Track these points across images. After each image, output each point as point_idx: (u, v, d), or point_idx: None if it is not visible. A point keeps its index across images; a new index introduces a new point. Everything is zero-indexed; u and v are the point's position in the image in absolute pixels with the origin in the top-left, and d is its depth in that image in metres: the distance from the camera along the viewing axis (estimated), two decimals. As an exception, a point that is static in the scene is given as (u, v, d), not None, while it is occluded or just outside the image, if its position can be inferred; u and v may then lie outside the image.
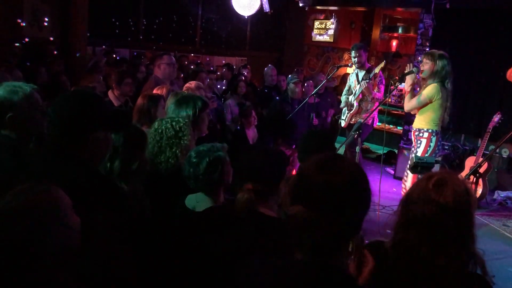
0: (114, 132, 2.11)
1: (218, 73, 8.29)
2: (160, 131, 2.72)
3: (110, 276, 1.68)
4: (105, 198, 1.79)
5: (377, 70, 5.96)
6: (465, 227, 1.66)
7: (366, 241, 1.84)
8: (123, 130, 2.19)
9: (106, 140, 1.91)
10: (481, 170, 5.43)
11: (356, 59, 6.11)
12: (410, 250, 1.67)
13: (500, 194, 6.41)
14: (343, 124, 6.45)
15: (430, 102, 4.63)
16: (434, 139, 4.70)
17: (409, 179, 4.69)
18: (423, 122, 4.79)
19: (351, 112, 6.24)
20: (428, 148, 4.70)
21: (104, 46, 7.95)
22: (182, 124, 2.75)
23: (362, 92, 6.07)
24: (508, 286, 4.17)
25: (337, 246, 1.28)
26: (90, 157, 1.83)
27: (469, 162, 6.01)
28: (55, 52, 6.86)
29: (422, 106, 4.68)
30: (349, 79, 6.49)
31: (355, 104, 6.18)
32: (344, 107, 6.39)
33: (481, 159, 5.77)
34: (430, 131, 4.71)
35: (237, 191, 2.06)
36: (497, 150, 6.68)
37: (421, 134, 4.78)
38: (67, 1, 7.01)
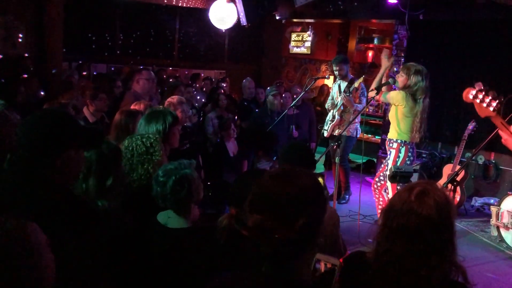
0: (86, 150, 2.08)
1: (197, 85, 8.28)
2: (130, 148, 2.69)
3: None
4: (79, 219, 1.75)
5: (356, 84, 6.03)
6: (446, 237, 1.68)
7: (348, 251, 1.84)
8: (96, 147, 2.15)
9: (78, 159, 1.86)
10: (458, 177, 5.51)
11: (337, 72, 6.21)
12: (394, 261, 1.67)
13: (477, 201, 6.52)
14: (325, 134, 6.51)
15: (394, 105, 4.70)
16: (403, 149, 4.72)
17: (389, 188, 4.73)
18: (393, 133, 4.85)
19: (333, 123, 6.30)
20: (397, 159, 4.72)
21: (80, 62, 7.86)
22: (152, 140, 2.72)
23: (343, 104, 6.14)
24: (488, 292, 4.23)
25: (295, 256, 1.32)
26: (62, 177, 1.79)
27: (447, 169, 6.11)
28: (31, 69, 6.76)
29: (386, 100, 4.81)
30: (332, 89, 6.57)
31: (337, 115, 6.24)
32: (330, 109, 6.45)
33: (458, 167, 5.88)
34: (399, 141, 4.75)
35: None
36: (473, 157, 6.81)
37: (391, 144, 4.84)
38: (41, 16, 6.91)
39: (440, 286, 1.64)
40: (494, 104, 2.28)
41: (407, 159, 4.70)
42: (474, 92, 2.34)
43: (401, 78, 4.65)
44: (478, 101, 2.32)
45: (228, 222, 1.95)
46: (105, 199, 2.22)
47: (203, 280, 2.00)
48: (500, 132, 2.35)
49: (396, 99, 4.67)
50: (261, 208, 1.31)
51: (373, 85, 4.92)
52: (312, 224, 1.32)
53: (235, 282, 1.38)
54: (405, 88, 4.62)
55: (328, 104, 6.54)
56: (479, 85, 2.33)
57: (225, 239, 1.97)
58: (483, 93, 2.30)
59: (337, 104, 6.28)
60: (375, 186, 5.02)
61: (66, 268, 1.58)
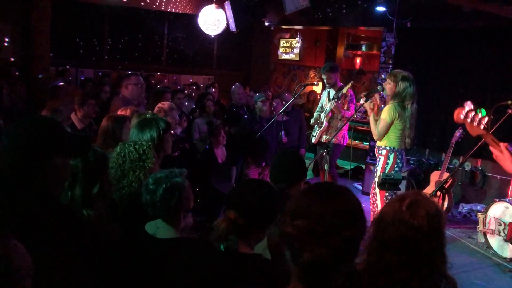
0: (73, 158, 2.04)
1: (186, 91, 8.25)
2: (122, 154, 2.67)
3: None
4: (65, 229, 1.71)
5: (344, 90, 6.06)
6: (437, 248, 1.68)
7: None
8: (82, 155, 2.11)
9: (64, 167, 1.82)
10: (446, 185, 5.56)
11: (326, 80, 6.26)
12: (384, 272, 1.67)
13: (464, 207, 6.57)
14: (313, 140, 6.52)
15: (392, 122, 4.63)
16: (391, 156, 4.72)
17: (378, 195, 4.74)
18: (382, 140, 4.86)
19: (321, 129, 6.32)
20: (386, 166, 4.71)
21: (67, 67, 7.78)
22: (145, 147, 2.70)
23: (331, 111, 6.17)
24: (475, 299, 4.25)
25: (334, 267, 1.29)
26: (47, 185, 1.75)
27: (434, 176, 6.15)
28: (17, 73, 6.68)
29: (386, 128, 4.67)
30: (321, 96, 6.60)
31: (325, 122, 6.27)
32: (315, 124, 6.47)
33: (445, 173, 5.92)
34: (387, 148, 4.74)
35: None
36: (462, 165, 6.87)
37: (379, 151, 4.83)
38: (28, 20, 6.84)
39: (431, 298, 1.64)
40: (484, 122, 2.30)
41: (395, 166, 4.70)
42: (464, 112, 2.36)
43: (388, 86, 4.66)
44: (469, 120, 2.34)
45: (226, 225, 1.93)
46: (90, 208, 2.18)
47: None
48: (491, 149, 2.37)
49: (387, 116, 4.62)
50: (307, 214, 1.28)
51: (373, 126, 4.85)
52: (356, 238, 1.30)
53: None
54: (394, 95, 4.63)
55: (315, 116, 6.54)
56: (469, 105, 2.35)
57: (223, 241, 1.94)
58: (473, 112, 2.32)
59: (325, 110, 6.31)
60: (371, 195, 5.00)
61: (52, 279, 1.55)
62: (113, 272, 2.18)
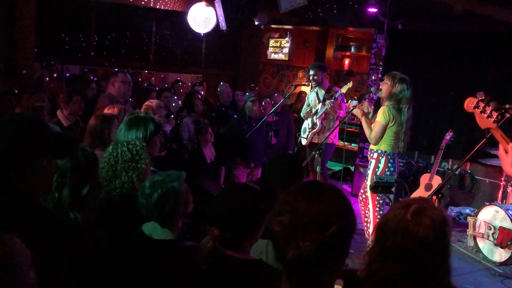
0: (59, 158, 1.94)
1: (173, 90, 8.11)
2: (115, 154, 2.59)
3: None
4: (48, 233, 1.61)
5: (344, 90, 5.99)
6: (442, 258, 1.62)
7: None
8: (69, 155, 2.01)
9: (50, 168, 1.73)
10: (442, 189, 5.54)
11: (311, 77, 6.18)
12: (386, 282, 1.60)
13: (453, 210, 6.56)
14: (304, 142, 6.44)
15: (387, 125, 4.52)
16: (383, 160, 4.60)
17: (370, 199, 4.66)
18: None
19: (313, 131, 6.25)
20: (377, 169, 4.60)
21: (52, 63, 7.60)
22: (139, 148, 2.63)
23: (325, 112, 6.09)
24: (466, 304, 4.22)
25: (322, 264, 1.24)
26: (32, 187, 1.65)
27: (424, 179, 6.13)
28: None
29: (382, 131, 4.54)
30: (308, 97, 6.51)
31: (318, 123, 6.20)
32: (307, 116, 6.39)
33: (436, 176, 5.91)
34: (379, 151, 4.63)
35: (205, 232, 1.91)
36: (449, 167, 6.88)
37: (371, 155, 4.73)
38: (12, 14, 6.65)
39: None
40: (494, 115, 2.22)
41: (386, 169, 4.58)
42: (475, 102, 2.28)
43: (385, 86, 4.55)
44: (479, 111, 2.26)
45: (213, 244, 1.82)
46: (78, 210, 2.08)
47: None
48: (500, 146, 2.29)
49: (385, 118, 4.50)
50: (292, 210, 1.24)
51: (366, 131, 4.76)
52: (344, 233, 1.25)
53: None
54: (390, 96, 4.54)
55: (303, 113, 6.49)
56: (481, 95, 2.28)
57: (210, 263, 1.83)
58: (484, 103, 2.24)
59: (317, 111, 6.24)
60: (361, 198, 4.92)
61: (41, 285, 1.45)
62: (103, 276, 2.11)
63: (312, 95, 6.42)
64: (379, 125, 4.53)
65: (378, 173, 4.56)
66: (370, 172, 4.68)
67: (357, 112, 4.74)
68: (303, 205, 1.22)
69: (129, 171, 2.56)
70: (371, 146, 4.74)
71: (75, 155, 2.08)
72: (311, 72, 6.22)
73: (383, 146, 4.61)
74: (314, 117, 6.29)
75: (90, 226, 2.20)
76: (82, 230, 2.06)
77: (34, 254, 1.44)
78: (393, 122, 4.52)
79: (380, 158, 4.61)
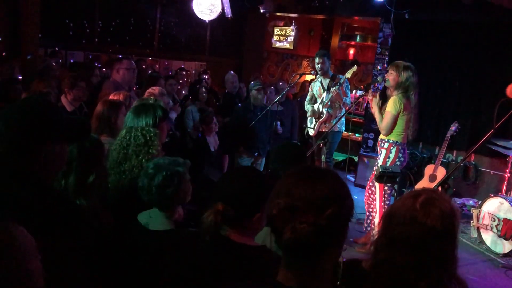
0: (72, 143, 1.93)
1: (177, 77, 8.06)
2: (128, 137, 2.61)
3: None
4: (61, 218, 1.60)
5: (348, 75, 5.95)
6: (449, 249, 1.61)
7: (344, 259, 1.75)
8: (82, 140, 2.00)
9: (61, 153, 1.70)
10: (440, 178, 5.52)
11: (319, 65, 6.12)
12: (393, 273, 1.59)
13: (456, 202, 6.55)
14: (311, 133, 6.39)
15: (398, 115, 4.51)
16: (394, 150, 4.60)
17: (377, 188, 4.64)
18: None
19: (320, 120, 6.21)
20: (387, 159, 4.61)
21: (56, 48, 7.56)
22: (152, 134, 2.65)
23: (331, 99, 6.05)
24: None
25: (320, 248, 1.23)
26: (43, 172, 1.62)
27: (428, 170, 6.10)
28: (4, 54, 6.46)
29: (393, 121, 4.53)
30: (312, 87, 6.46)
31: (324, 111, 6.16)
32: (311, 116, 6.35)
33: (440, 167, 5.88)
34: (390, 141, 4.63)
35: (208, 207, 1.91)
36: (453, 158, 6.85)
37: (382, 144, 4.72)
38: (16, 0, 6.61)
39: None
40: None
41: (397, 159, 4.58)
42: None
43: (391, 76, 4.54)
44: None
45: (214, 218, 1.82)
46: (84, 198, 2.07)
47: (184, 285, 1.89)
48: None
49: (393, 108, 4.48)
50: (289, 193, 1.21)
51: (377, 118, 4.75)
52: (340, 217, 1.23)
53: None
54: (397, 85, 4.52)
55: (307, 106, 6.42)
56: None
57: (211, 236, 1.84)
58: None
59: (322, 100, 6.20)
60: (369, 191, 4.91)
61: (53, 272, 1.45)
62: (105, 263, 2.09)
63: (316, 85, 6.37)
64: (390, 115, 4.52)
65: (388, 163, 4.56)
66: (380, 162, 4.67)
67: (374, 101, 4.71)
68: (300, 188, 1.20)
69: (139, 155, 2.58)
70: (382, 136, 4.73)
71: (82, 142, 2.07)
72: (317, 60, 6.15)
73: (395, 136, 4.60)
74: (320, 106, 6.24)
75: (96, 214, 2.19)
76: (88, 217, 2.05)
77: (44, 240, 1.44)
78: (404, 112, 4.51)
79: (391, 148, 4.61)
